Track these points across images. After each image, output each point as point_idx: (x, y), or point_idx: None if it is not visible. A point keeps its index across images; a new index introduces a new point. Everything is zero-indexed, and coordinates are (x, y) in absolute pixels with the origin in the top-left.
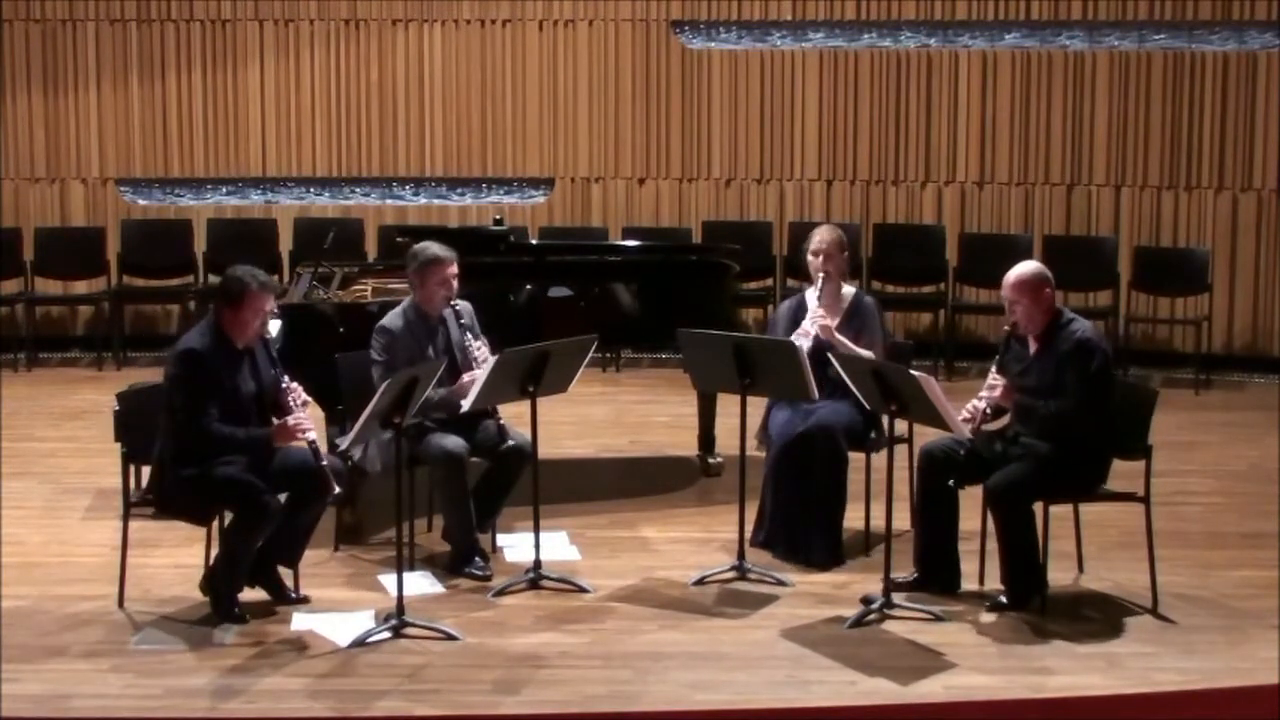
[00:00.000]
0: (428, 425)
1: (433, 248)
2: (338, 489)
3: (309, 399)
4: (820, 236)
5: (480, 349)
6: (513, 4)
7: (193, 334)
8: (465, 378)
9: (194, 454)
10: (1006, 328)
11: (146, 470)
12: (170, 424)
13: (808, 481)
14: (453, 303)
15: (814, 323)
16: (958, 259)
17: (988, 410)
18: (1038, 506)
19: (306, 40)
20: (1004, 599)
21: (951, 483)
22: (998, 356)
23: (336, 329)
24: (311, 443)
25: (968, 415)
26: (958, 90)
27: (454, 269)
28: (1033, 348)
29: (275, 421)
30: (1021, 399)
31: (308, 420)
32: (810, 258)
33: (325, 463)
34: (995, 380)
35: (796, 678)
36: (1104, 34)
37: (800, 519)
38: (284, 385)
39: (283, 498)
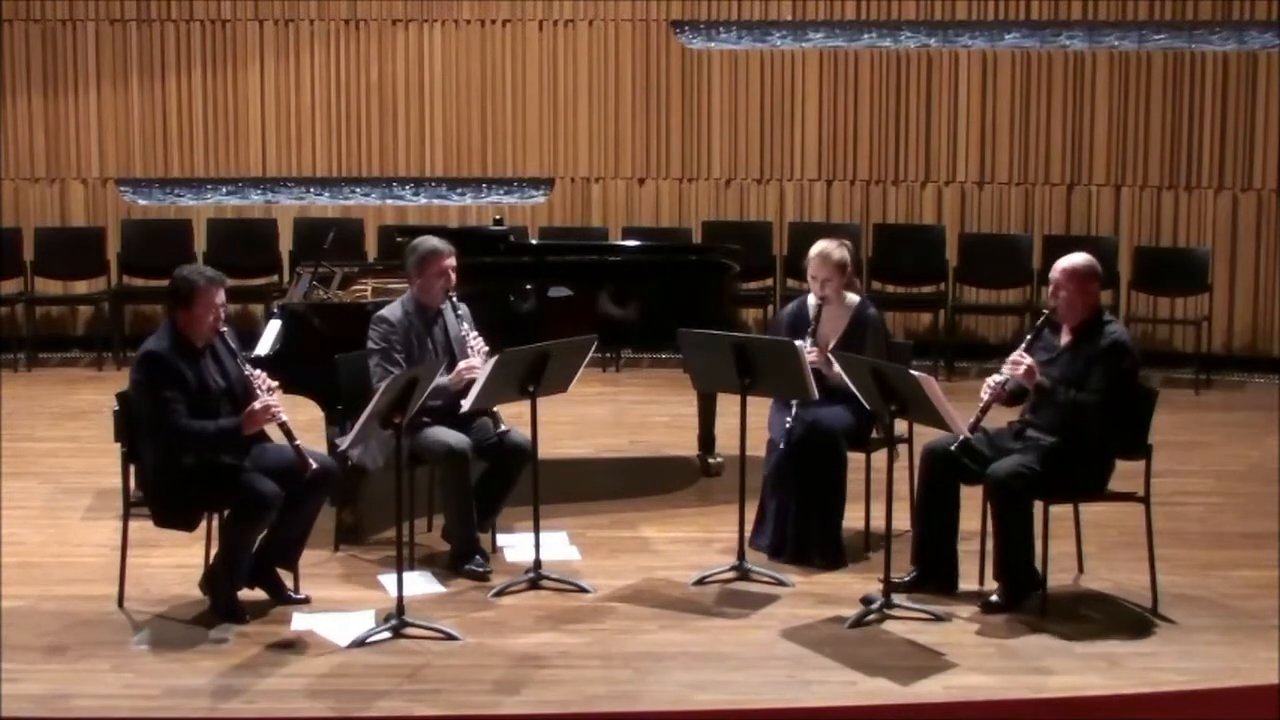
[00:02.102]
0: (424, 420)
1: (430, 240)
2: (314, 465)
3: (276, 384)
4: (817, 262)
5: (477, 338)
6: (513, 4)
7: (151, 339)
8: (461, 364)
9: (173, 453)
10: (1045, 310)
11: None
12: (144, 428)
13: (808, 483)
14: (451, 297)
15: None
16: (958, 259)
17: (1006, 387)
18: (1038, 507)
19: (306, 40)
20: (996, 598)
21: (967, 461)
22: (1029, 337)
23: (336, 329)
24: (284, 424)
25: (989, 387)
26: (958, 90)
27: (452, 260)
28: (1064, 339)
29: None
30: (1043, 381)
31: (277, 403)
32: (810, 278)
33: (298, 441)
34: (1021, 358)
35: (796, 678)
36: (1104, 34)
37: (801, 521)
38: (249, 374)
39: None
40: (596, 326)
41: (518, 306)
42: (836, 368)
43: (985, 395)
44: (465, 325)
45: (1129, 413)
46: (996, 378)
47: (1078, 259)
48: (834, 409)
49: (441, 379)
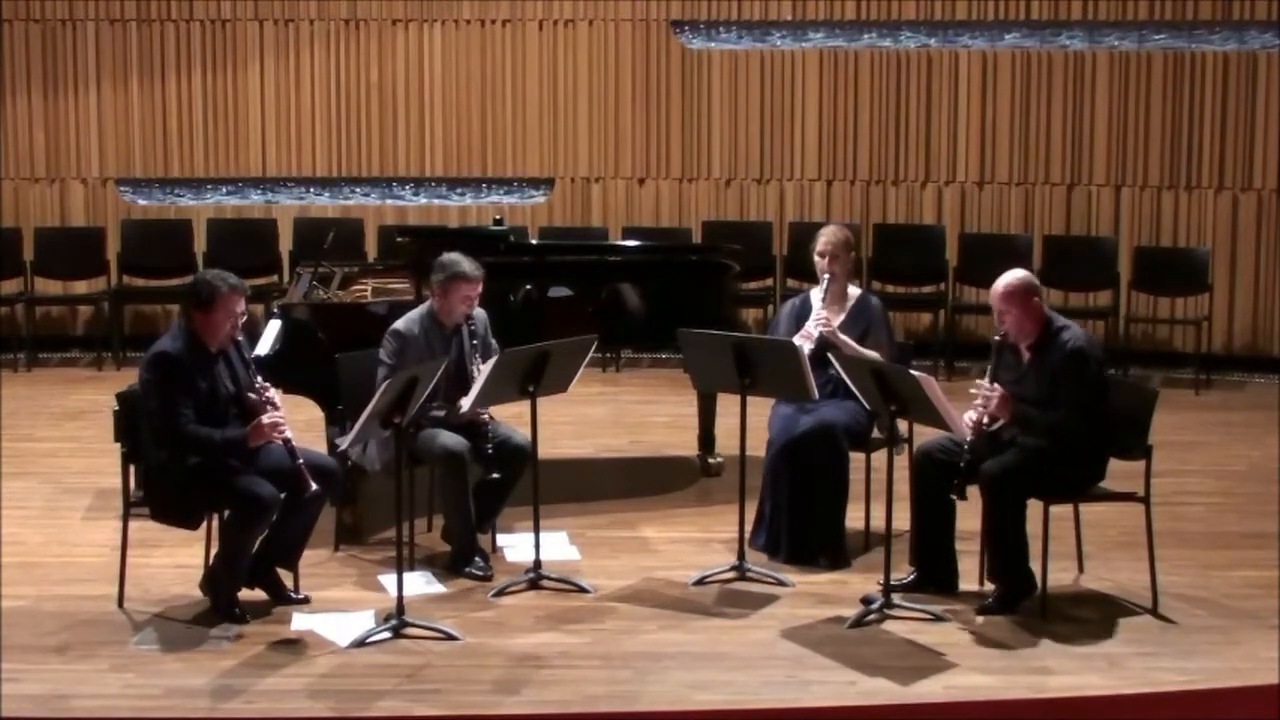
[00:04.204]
0: (424, 420)
1: (463, 264)
2: (315, 486)
3: (281, 403)
4: (826, 237)
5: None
6: (513, 4)
7: (165, 338)
8: (463, 402)
9: (176, 456)
10: (997, 338)
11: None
12: (149, 428)
13: (809, 481)
14: (470, 320)
15: (816, 324)
16: (958, 259)
17: (985, 423)
18: (1037, 507)
19: (306, 40)
20: (992, 602)
21: (954, 496)
22: (989, 367)
23: (336, 329)
24: (287, 441)
25: (968, 425)
26: (958, 90)
27: (479, 287)
28: (1025, 356)
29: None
30: (1019, 410)
31: (283, 419)
32: (816, 258)
33: (300, 461)
34: (990, 392)
35: (796, 678)
36: (1104, 34)
37: (802, 519)
38: (258, 385)
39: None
40: (596, 326)
41: (517, 306)
42: (844, 336)
43: (969, 436)
44: (477, 356)
45: (1108, 410)
46: (973, 415)
47: (1012, 279)
48: (836, 407)
49: (439, 413)
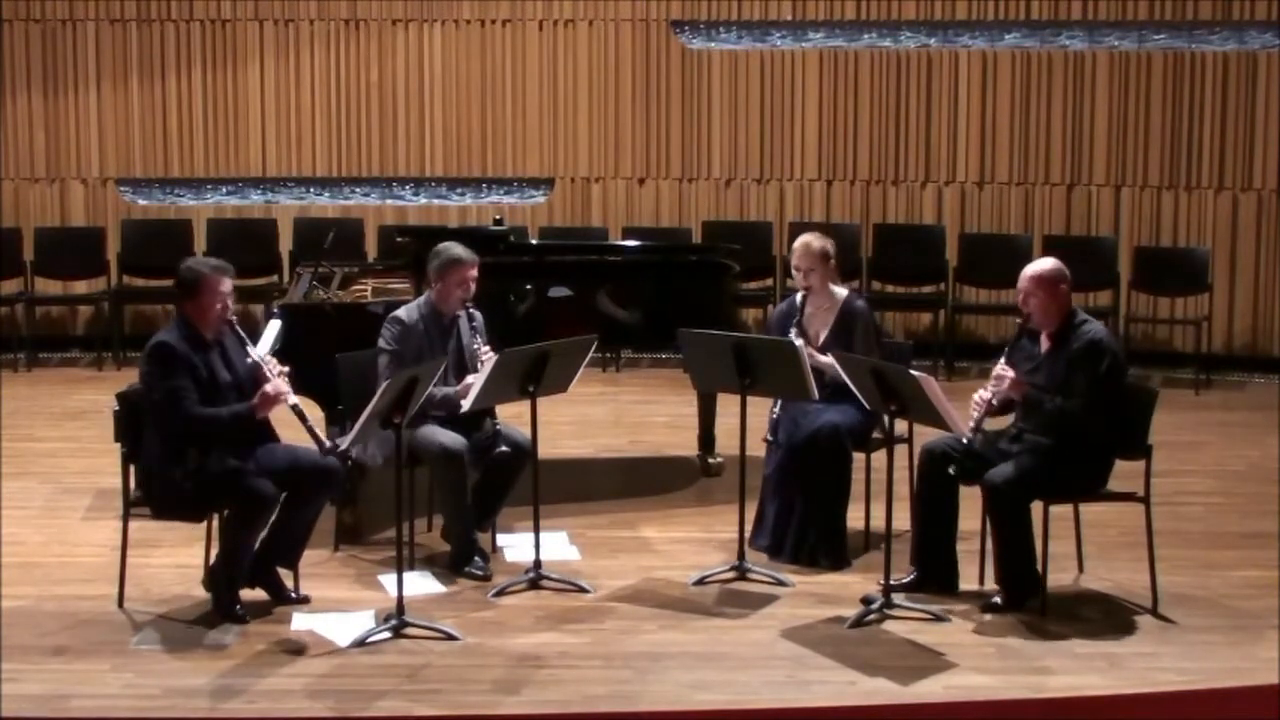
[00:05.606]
0: (424, 417)
1: (455, 249)
2: (328, 443)
3: (286, 369)
4: (799, 251)
5: (487, 353)
6: (513, 4)
7: (161, 332)
8: (469, 379)
9: (181, 442)
10: (1019, 321)
11: None
12: (154, 420)
13: (809, 481)
14: (468, 306)
15: None
16: (958, 259)
17: (994, 402)
18: (1038, 507)
19: (306, 40)
20: (998, 600)
21: (952, 470)
22: (1007, 349)
23: (336, 329)
24: (295, 407)
25: (976, 404)
26: (958, 90)
27: (474, 272)
28: (1044, 345)
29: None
30: (1030, 393)
31: (287, 387)
32: (793, 269)
33: (310, 424)
34: (1004, 371)
35: (796, 678)
36: (1104, 34)
37: (803, 520)
38: (259, 359)
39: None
40: (596, 326)
41: (517, 306)
42: (820, 358)
43: (975, 413)
44: (478, 338)
45: (1120, 411)
46: (983, 394)
47: (1044, 265)
48: (836, 408)
49: (447, 389)
